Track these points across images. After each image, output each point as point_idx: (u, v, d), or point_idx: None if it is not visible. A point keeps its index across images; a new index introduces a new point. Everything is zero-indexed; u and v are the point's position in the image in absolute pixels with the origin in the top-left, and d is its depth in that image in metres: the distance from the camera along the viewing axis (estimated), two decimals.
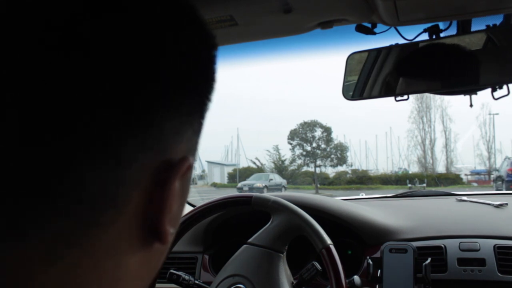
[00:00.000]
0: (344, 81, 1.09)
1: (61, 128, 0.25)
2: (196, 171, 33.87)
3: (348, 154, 29.37)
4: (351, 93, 1.11)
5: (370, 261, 1.23)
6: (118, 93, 0.27)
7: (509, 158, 17.79)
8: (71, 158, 0.25)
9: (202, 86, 0.33)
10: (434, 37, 0.97)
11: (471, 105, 1.07)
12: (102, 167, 0.26)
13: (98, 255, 0.28)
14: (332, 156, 27.93)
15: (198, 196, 15.98)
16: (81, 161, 0.26)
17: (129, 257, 0.30)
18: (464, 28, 0.97)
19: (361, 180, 25.47)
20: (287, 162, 29.12)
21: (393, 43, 1.00)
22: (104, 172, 0.26)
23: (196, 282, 1.11)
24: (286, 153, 29.98)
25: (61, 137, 0.25)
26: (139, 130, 0.27)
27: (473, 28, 0.97)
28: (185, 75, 0.30)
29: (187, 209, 1.59)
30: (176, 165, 0.30)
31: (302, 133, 27.97)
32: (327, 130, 27.97)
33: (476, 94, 1.05)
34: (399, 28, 0.94)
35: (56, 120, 0.25)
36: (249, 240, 1.06)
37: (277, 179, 24.42)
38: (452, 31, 0.97)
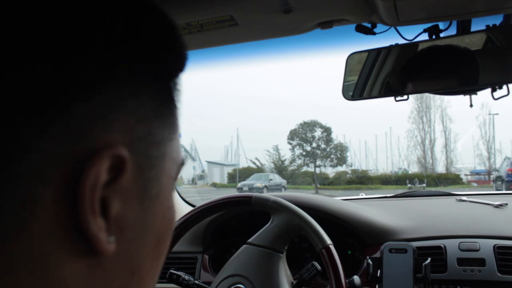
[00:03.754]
0: (344, 81, 1.09)
1: None
2: (196, 171, 33.88)
3: (348, 154, 29.40)
4: (351, 93, 1.11)
5: (370, 261, 1.23)
6: (14, 87, 0.23)
7: (509, 158, 17.79)
8: None
9: (140, 67, 0.28)
10: (434, 37, 0.97)
11: (471, 105, 1.07)
12: None
13: (17, 267, 0.24)
14: (332, 156, 27.92)
15: (198, 196, 15.97)
16: None
17: (61, 269, 0.25)
18: (464, 28, 0.97)
19: (361, 180, 25.46)
20: (287, 162, 29.13)
21: (393, 43, 1.00)
22: (2, 169, 0.23)
23: (196, 282, 1.11)
24: (286, 153, 29.95)
25: None
26: (40, 120, 0.24)
27: (473, 28, 0.97)
28: (107, 54, 0.26)
29: (187, 209, 1.59)
30: (93, 155, 0.25)
31: (302, 133, 27.97)
32: (327, 130, 27.97)
33: (476, 94, 1.05)
34: (399, 28, 0.94)
35: None
36: (249, 240, 1.06)
37: (277, 179, 24.41)
38: (452, 31, 0.97)
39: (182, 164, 0.33)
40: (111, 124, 0.26)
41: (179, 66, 0.31)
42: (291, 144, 28.15)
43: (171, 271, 1.12)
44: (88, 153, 0.25)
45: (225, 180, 30.48)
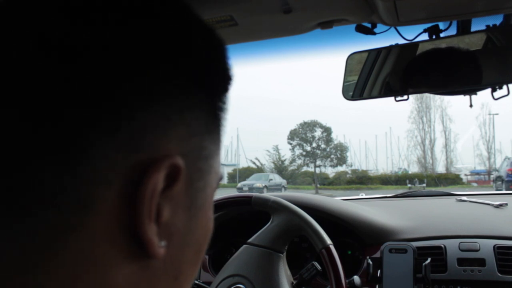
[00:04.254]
0: (344, 81, 1.09)
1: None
2: None
3: (348, 154, 29.44)
4: (351, 93, 1.11)
5: (370, 261, 1.23)
6: (87, 93, 0.25)
7: (509, 158, 17.79)
8: (30, 155, 0.24)
9: (196, 84, 0.30)
10: (434, 37, 0.97)
11: (471, 105, 1.07)
12: (63, 164, 0.25)
13: (74, 264, 0.25)
14: (332, 156, 27.94)
15: None
16: (43, 157, 0.24)
17: (115, 270, 0.27)
18: (464, 28, 0.97)
19: (361, 180, 25.48)
20: (287, 162, 29.15)
21: (393, 43, 1.00)
22: (67, 169, 0.25)
23: (196, 282, 1.12)
24: (286, 153, 29.97)
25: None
26: (107, 125, 0.26)
27: (473, 28, 0.97)
28: (164, 71, 0.28)
29: None
30: (154, 163, 0.27)
31: (302, 133, 27.98)
32: (327, 130, 27.99)
33: (476, 94, 1.05)
34: (399, 28, 0.94)
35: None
36: (249, 240, 1.06)
37: (277, 179, 24.42)
38: (452, 31, 0.97)
39: (221, 178, 0.35)
40: (170, 134, 0.28)
41: (226, 86, 0.34)
42: (291, 144, 28.18)
43: None
44: (149, 160, 0.27)
45: (225, 180, 30.47)
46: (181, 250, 0.31)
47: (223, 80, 0.33)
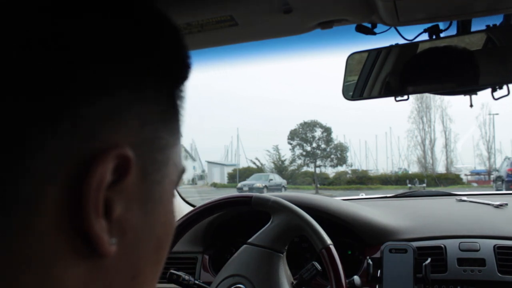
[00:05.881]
0: (344, 81, 1.09)
1: None
2: (196, 171, 33.88)
3: (348, 154, 29.39)
4: (351, 93, 1.11)
5: (370, 261, 1.23)
6: (28, 87, 0.24)
7: (509, 158, 17.79)
8: None
9: (148, 74, 0.29)
10: (434, 37, 0.97)
11: (471, 105, 1.07)
12: (2, 163, 0.23)
13: (18, 266, 0.24)
14: (332, 156, 27.92)
15: (198, 196, 15.98)
16: None
17: (63, 270, 0.25)
18: (464, 28, 0.97)
19: (361, 180, 25.46)
20: (287, 162, 29.13)
21: (393, 43, 1.00)
22: (7, 168, 0.24)
23: (196, 282, 1.11)
24: (286, 153, 29.96)
25: None
26: (49, 120, 0.24)
27: (473, 28, 0.97)
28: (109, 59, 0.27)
29: (187, 209, 1.59)
30: (99, 155, 0.25)
31: (302, 133, 27.97)
32: (327, 130, 27.98)
33: (476, 94, 1.05)
34: (399, 28, 0.94)
35: None
36: (249, 240, 1.06)
37: (277, 179, 24.41)
38: (452, 31, 0.97)
39: (183, 171, 0.34)
40: (118, 126, 0.27)
41: (183, 75, 0.32)
42: (291, 144, 28.18)
43: (171, 271, 1.12)
44: (94, 153, 0.25)
45: (225, 180, 30.47)
46: (138, 248, 0.29)
47: (179, 68, 0.32)
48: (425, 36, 0.98)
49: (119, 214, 0.27)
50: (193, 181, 31.53)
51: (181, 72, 0.32)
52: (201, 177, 32.97)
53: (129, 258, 0.29)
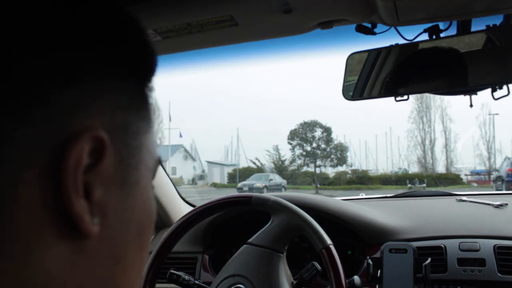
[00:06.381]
0: (344, 81, 1.09)
1: None
2: (196, 171, 33.89)
3: (348, 154, 29.40)
4: (351, 93, 1.11)
5: (370, 261, 1.23)
6: None
7: (509, 158, 17.80)
8: None
9: (118, 65, 0.31)
10: (434, 37, 0.97)
11: (471, 105, 1.07)
12: None
13: (1, 251, 0.25)
14: (332, 156, 27.93)
15: (198, 196, 15.98)
16: None
17: (45, 252, 0.26)
18: (464, 28, 0.97)
19: (361, 180, 25.46)
20: (287, 162, 29.13)
21: (393, 43, 1.00)
22: None
23: (196, 282, 1.11)
24: (286, 153, 29.92)
25: None
26: (21, 107, 0.25)
27: (473, 28, 0.97)
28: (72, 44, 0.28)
29: (187, 209, 1.59)
30: (75, 137, 0.26)
31: (302, 133, 27.98)
32: (327, 130, 27.98)
33: (476, 94, 1.05)
34: (399, 28, 0.94)
35: None
36: (249, 240, 1.06)
37: (277, 179, 24.42)
38: (452, 31, 0.97)
39: (158, 160, 0.35)
40: (91, 111, 0.28)
41: (150, 70, 0.34)
42: (291, 144, 28.18)
43: (171, 271, 1.12)
44: (69, 136, 0.26)
45: (225, 180, 30.47)
46: (119, 231, 0.30)
47: (144, 58, 0.33)
48: (425, 36, 0.98)
49: (99, 197, 0.28)
50: (193, 181, 31.53)
51: (146, 63, 0.34)
52: (201, 177, 32.97)
53: (111, 241, 0.29)
